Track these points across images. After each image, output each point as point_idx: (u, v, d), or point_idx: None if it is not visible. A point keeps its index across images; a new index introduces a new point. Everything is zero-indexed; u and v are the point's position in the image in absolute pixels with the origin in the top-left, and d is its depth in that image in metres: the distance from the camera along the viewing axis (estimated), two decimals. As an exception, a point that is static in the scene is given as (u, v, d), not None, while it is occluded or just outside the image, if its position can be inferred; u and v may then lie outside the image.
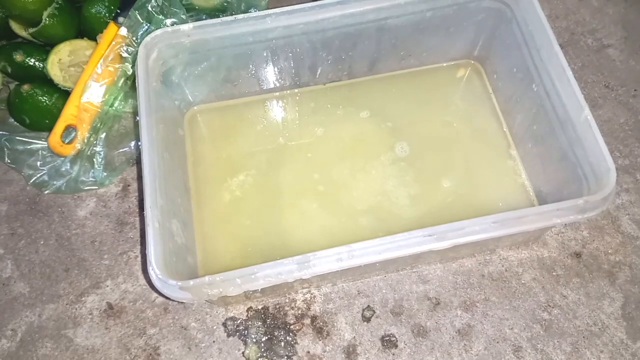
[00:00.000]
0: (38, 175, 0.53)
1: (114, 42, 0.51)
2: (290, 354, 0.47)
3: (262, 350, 0.47)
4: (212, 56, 0.50)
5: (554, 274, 0.50)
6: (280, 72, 0.54)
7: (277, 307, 0.49)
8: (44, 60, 0.54)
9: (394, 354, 0.47)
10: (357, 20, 0.49)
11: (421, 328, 0.48)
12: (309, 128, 0.56)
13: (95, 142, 0.52)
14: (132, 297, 0.50)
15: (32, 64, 0.54)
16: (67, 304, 0.50)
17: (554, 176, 0.48)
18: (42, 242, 0.52)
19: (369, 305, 0.49)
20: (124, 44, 0.51)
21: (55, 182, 0.53)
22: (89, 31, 0.55)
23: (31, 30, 0.54)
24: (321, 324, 0.48)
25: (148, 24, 0.51)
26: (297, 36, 0.49)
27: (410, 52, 0.55)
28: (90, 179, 0.53)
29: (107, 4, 0.55)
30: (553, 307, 0.49)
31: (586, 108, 0.41)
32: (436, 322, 0.48)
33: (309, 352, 0.47)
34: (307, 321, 0.48)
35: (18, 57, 0.54)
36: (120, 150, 0.54)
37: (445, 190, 0.53)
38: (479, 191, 0.53)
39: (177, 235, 0.43)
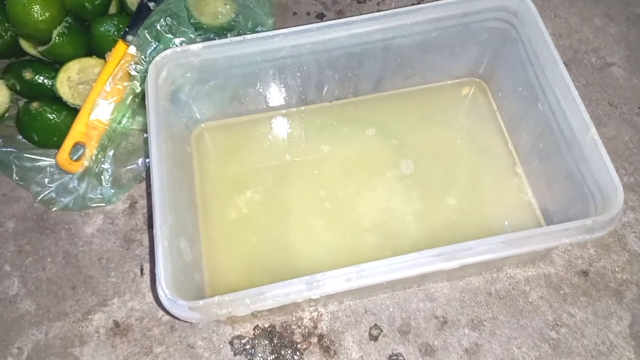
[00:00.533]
0: (46, 193, 0.53)
1: (122, 61, 0.52)
2: (297, 373, 0.47)
3: (269, 369, 0.47)
4: (220, 75, 0.51)
5: (561, 292, 0.50)
6: (287, 90, 0.55)
7: (284, 325, 0.49)
8: (53, 78, 0.55)
9: (401, 373, 0.47)
10: (364, 40, 0.49)
11: (429, 347, 0.48)
12: (315, 145, 0.56)
13: (103, 159, 0.53)
14: (138, 314, 0.49)
15: (41, 81, 0.55)
16: (73, 322, 0.49)
17: (560, 194, 0.48)
18: (49, 260, 0.52)
19: (376, 324, 0.49)
20: (132, 62, 0.52)
21: (62, 199, 0.53)
22: (98, 49, 0.56)
23: (41, 48, 0.54)
24: (328, 342, 0.48)
25: (157, 43, 0.52)
26: (304, 55, 0.50)
27: (415, 71, 0.56)
28: (98, 196, 0.53)
29: (115, 22, 0.55)
30: (561, 326, 0.48)
31: (592, 128, 0.42)
32: (444, 341, 0.48)
33: (316, 371, 0.47)
34: (314, 340, 0.48)
35: (27, 74, 0.54)
36: (128, 168, 0.54)
37: (451, 208, 0.53)
38: (485, 209, 0.53)
39: (185, 254, 0.43)
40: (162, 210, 0.40)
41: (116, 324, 0.49)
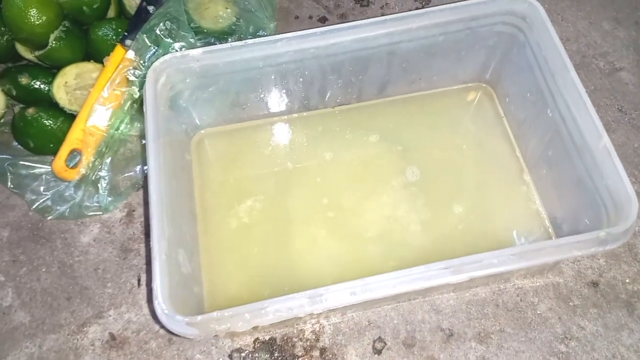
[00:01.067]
0: (41, 201, 0.52)
1: (121, 66, 0.51)
2: (299, 388, 0.45)
3: (270, 383, 0.45)
4: (221, 80, 0.49)
5: (571, 304, 0.49)
6: (289, 95, 0.53)
7: (285, 338, 0.47)
8: (49, 83, 0.53)
9: (406, 389, 0.45)
10: (369, 45, 0.48)
11: (435, 361, 0.46)
12: (318, 152, 0.55)
13: (100, 166, 0.52)
14: (135, 327, 0.48)
15: (37, 87, 0.54)
16: (68, 334, 0.48)
17: (569, 203, 0.47)
18: (44, 270, 0.51)
19: (380, 337, 0.47)
20: (131, 67, 0.51)
21: (58, 208, 0.52)
22: (96, 54, 0.55)
23: (37, 53, 0.53)
24: (330, 356, 0.47)
25: (156, 48, 0.51)
26: (307, 60, 0.48)
27: (421, 76, 0.55)
28: (95, 204, 0.52)
29: (114, 26, 0.54)
30: (570, 339, 0.47)
31: (605, 135, 0.40)
32: (450, 355, 0.46)
33: (318, 386, 0.45)
34: (316, 353, 0.47)
35: (23, 80, 0.53)
36: (126, 175, 0.53)
37: (457, 216, 0.51)
38: (492, 217, 0.51)
39: (183, 266, 0.42)
40: (159, 222, 0.38)
41: (112, 336, 0.48)
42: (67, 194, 0.52)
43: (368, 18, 0.47)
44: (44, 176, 0.52)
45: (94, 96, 0.51)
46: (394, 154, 0.54)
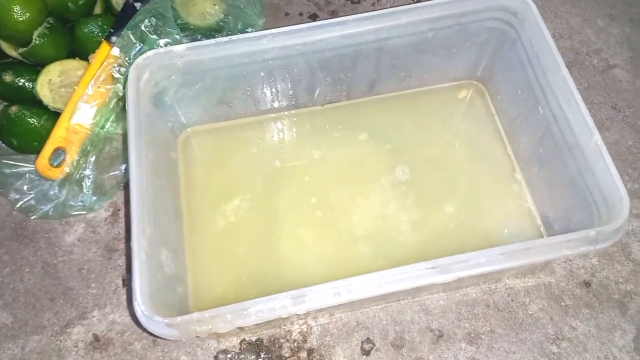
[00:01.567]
0: (25, 200, 0.51)
1: (105, 63, 0.50)
2: (285, 391, 0.44)
3: (256, 386, 0.44)
4: (207, 77, 0.48)
5: (563, 304, 0.48)
6: (277, 93, 0.53)
7: (272, 339, 0.47)
8: (33, 80, 0.52)
9: (395, 391, 0.44)
10: (356, 41, 0.47)
11: (424, 363, 0.45)
12: (307, 150, 0.54)
13: (84, 165, 0.51)
14: (119, 328, 0.47)
15: (21, 84, 0.53)
16: (51, 336, 0.47)
17: (561, 202, 0.46)
18: (27, 270, 0.50)
19: (368, 338, 0.47)
20: (116, 65, 0.50)
21: (42, 207, 0.51)
22: (82, 51, 0.54)
23: (21, 50, 0.52)
24: (318, 357, 0.46)
25: (141, 44, 0.50)
26: (294, 57, 0.47)
27: (411, 73, 0.54)
28: (79, 203, 0.51)
29: (100, 23, 0.54)
30: (562, 340, 0.46)
31: (596, 133, 0.40)
32: (439, 356, 0.46)
33: (305, 388, 0.45)
34: (304, 354, 0.46)
35: (7, 77, 0.52)
36: (111, 174, 0.52)
37: (448, 215, 0.51)
38: (483, 216, 0.51)
39: (166, 266, 0.41)
40: (139, 221, 0.38)
41: (96, 337, 0.47)
42: (51, 193, 0.51)
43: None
44: (27, 175, 0.51)
45: (78, 94, 0.50)
46: (383, 153, 0.54)
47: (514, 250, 0.37)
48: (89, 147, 0.51)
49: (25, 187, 0.51)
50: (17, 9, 0.49)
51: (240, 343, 0.46)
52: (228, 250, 0.49)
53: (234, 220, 0.50)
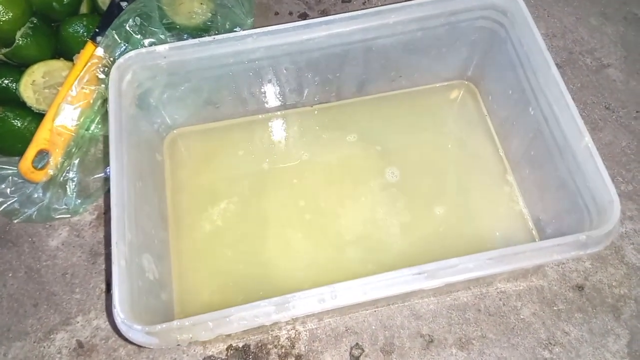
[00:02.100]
0: (8, 203, 0.50)
1: (89, 63, 0.49)
2: (272, 398, 0.43)
3: (242, 393, 0.44)
4: (192, 78, 0.48)
5: (555, 308, 0.47)
6: (264, 93, 0.52)
7: (259, 345, 0.46)
8: (17, 81, 0.52)
9: (383, 398, 0.43)
10: (344, 41, 0.46)
11: (413, 369, 0.45)
12: (295, 152, 0.53)
13: (68, 167, 0.50)
14: (104, 334, 0.46)
15: (4, 85, 0.52)
16: (34, 342, 0.46)
17: (553, 204, 0.45)
18: (10, 275, 0.49)
19: (357, 343, 0.46)
20: (100, 65, 0.49)
21: (26, 210, 0.50)
22: (67, 51, 0.53)
23: (4, 50, 0.51)
24: (306, 363, 0.45)
25: (126, 44, 0.49)
26: (281, 57, 0.47)
27: (401, 73, 0.53)
28: (63, 206, 0.50)
29: (85, 23, 0.53)
30: (554, 345, 0.45)
31: (587, 135, 0.39)
32: (429, 362, 0.45)
33: (292, 395, 0.44)
34: (291, 361, 0.45)
35: (-10, 78, 0.51)
36: (96, 176, 0.51)
37: (438, 218, 0.50)
38: (474, 219, 0.50)
39: (148, 271, 0.40)
40: (119, 226, 0.37)
41: (80, 344, 0.46)
42: (35, 196, 0.50)
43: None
44: (10, 178, 0.50)
45: (62, 95, 0.49)
46: (373, 154, 0.53)
47: (502, 255, 0.36)
48: (73, 149, 0.50)
49: (8, 190, 0.50)
50: (-1, 8, 0.48)
51: (227, 349, 0.46)
52: (214, 255, 0.48)
53: (221, 223, 0.49)
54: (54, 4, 0.53)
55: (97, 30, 0.52)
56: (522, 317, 0.47)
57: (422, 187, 0.51)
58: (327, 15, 0.45)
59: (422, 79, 0.55)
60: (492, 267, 0.36)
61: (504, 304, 0.47)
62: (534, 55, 0.43)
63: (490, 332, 0.46)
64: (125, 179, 0.39)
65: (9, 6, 0.49)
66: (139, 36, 0.49)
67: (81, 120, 0.49)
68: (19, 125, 0.51)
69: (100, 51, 0.49)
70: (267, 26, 0.45)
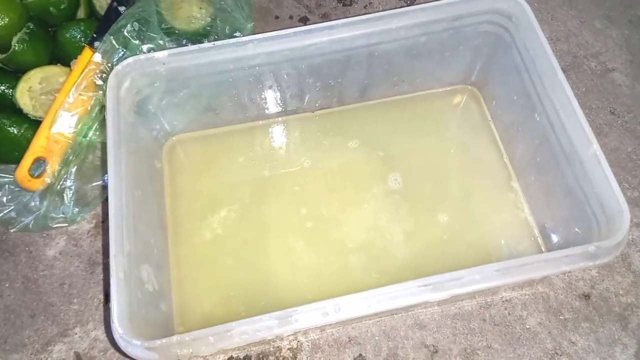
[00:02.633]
0: (5, 212, 0.49)
1: (87, 69, 0.48)
2: (273, 410, 0.43)
3: (243, 406, 0.43)
4: (192, 84, 0.47)
5: (561, 317, 0.46)
6: (265, 99, 0.51)
7: (261, 356, 0.45)
8: (13, 88, 0.51)
9: (387, 410, 0.43)
10: (346, 46, 0.46)
11: (417, 380, 0.44)
12: (296, 159, 0.52)
13: (66, 175, 0.49)
14: (102, 345, 0.45)
15: (1, 92, 0.51)
16: (31, 354, 0.45)
17: (559, 213, 0.45)
18: (7, 285, 0.48)
19: (360, 354, 0.45)
20: (98, 71, 0.48)
21: (23, 219, 0.49)
22: (64, 57, 0.53)
23: (0, 56, 0.50)
24: (308, 375, 0.44)
25: (124, 50, 0.48)
26: (281, 63, 0.46)
27: (404, 78, 0.52)
28: (60, 215, 0.49)
29: (82, 28, 0.52)
30: (561, 355, 0.45)
31: (595, 142, 0.38)
32: (434, 373, 0.44)
33: (294, 407, 0.43)
34: (293, 372, 0.44)
35: (-15, 85, 0.51)
36: (94, 184, 0.50)
37: (442, 225, 0.49)
38: (478, 226, 0.49)
39: (148, 283, 0.39)
40: (118, 237, 0.36)
41: (78, 356, 0.45)
42: (31, 204, 0.49)
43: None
44: (7, 186, 0.49)
45: (59, 101, 0.48)
46: (375, 160, 0.52)
47: (509, 266, 0.35)
48: (70, 157, 0.49)
49: (4, 199, 0.49)
50: (-5, 14, 0.48)
51: (228, 360, 0.45)
52: (215, 264, 0.47)
53: (221, 231, 0.49)
54: (51, 8, 0.52)
55: (94, 35, 0.51)
56: (527, 326, 0.46)
57: (425, 193, 0.50)
58: (327, 19, 0.44)
59: (425, 84, 0.54)
60: (499, 279, 0.35)
61: (509, 314, 0.46)
62: (540, 59, 0.42)
63: (495, 343, 0.45)
64: (123, 187, 0.38)
65: (5, 11, 0.49)
66: (137, 41, 0.48)
67: (79, 127, 0.48)
68: (15, 132, 0.50)
69: (98, 57, 0.48)
70: (267, 31, 0.44)
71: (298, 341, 0.46)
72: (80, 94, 0.48)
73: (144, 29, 0.49)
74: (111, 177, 0.38)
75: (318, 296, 0.35)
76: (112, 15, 0.52)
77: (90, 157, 0.51)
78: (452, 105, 0.55)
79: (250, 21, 0.55)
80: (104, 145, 0.52)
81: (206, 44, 0.43)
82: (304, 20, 0.62)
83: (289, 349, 0.45)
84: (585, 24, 0.61)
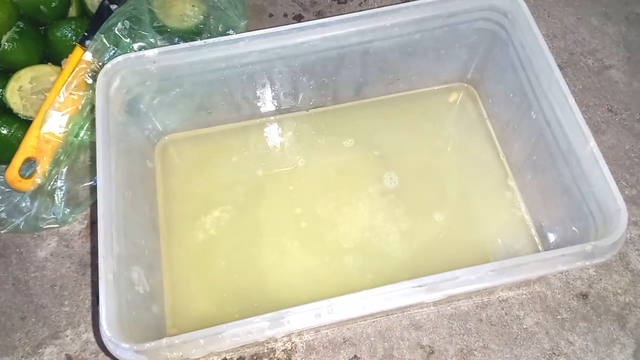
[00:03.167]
0: (-5, 213, 0.49)
1: (78, 68, 0.47)
2: (267, 413, 0.42)
3: (237, 408, 0.42)
4: (184, 83, 0.46)
5: (559, 317, 0.46)
6: (258, 98, 0.50)
7: (254, 358, 0.44)
8: (3, 87, 0.50)
9: (383, 412, 0.42)
10: (340, 44, 0.45)
11: (413, 382, 0.43)
12: (290, 158, 0.52)
13: (57, 175, 0.48)
14: (94, 348, 0.45)
15: (-10, 92, 0.50)
16: (22, 357, 0.45)
17: (556, 211, 0.44)
18: (-3, 287, 0.48)
19: (355, 355, 0.44)
20: (89, 70, 0.48)
21: (13, 220, 0.48)
22: (55, 56, 0.52)
23: (-11, 55, 0.50)
24: (303, 377, 0.44)
25: (115, 48, 0.48)
26: (275, 61, 0.45)
27: (399, 76, 0.52)
28: (51, 216, 0.48)
29: (74, 27, 0.51)
30: (559, 355, 0.44)
31: (592, 140, 0.38)
32: (430, 374, 0.44)
33: (288, 410, 0.42)
34: (287, 374, 0.44)
35: (-26, 85, 0.50)
36: (86, 184, 0.50)
37: (438, 225, 0.48)
38: (475, 225, 0.48)
39: (138, 284, 0.38)
40: (107, 238, 0.35)
41: (69, 358, 0.44)
42: (22, 205, 0.48)
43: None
44: (-3, 187, 0.49)
45: (50, 101, 0.48)
46: (371, 159, 0.51)
47: (505, 266, 0.34)
48: (61, 157, 0.48)
49: (-6, 200, 0.49)
50: (-16, 12, 0.47)
51: (221, 362, 0.44)
52: (208, 265, 0.47)
53: (214, 233, 0.48)
54: (42, 7, 0.52)
55: (86, 34, 0.50)
56: (524, 326, 0.45)
57: (421, 193, 0.50)
58: (322, 17, 0.44)
59: (421, 82, 0.53)
60: (495, 279, 0.34)
61: (506, 313, 0.46)
62: (536, 57, 0.42)
63: (492, 343, 0.45)
64: (113, 188, 0.38)
65: (-6, 10, 0.48)
66: (128, 40, 0.48)
67: (69, 127, 0.48)
68: (6, 132, 0.49)
69: (88, 56, 0.48)
70: (261, 29, 0.43)
71: (292, 342, 0.45)
72: (71, 93, 0.47)
73: (135, 27, 0.48)
74: (100, 178, 0.38)
75: (313, 297, 0.35)
76: (103, 13, 0.51)
77: (81, 157, 0.50)
78: (448, 103, 0.55)
79: (244, 19, 0.55)
80: (95, 145, 0.51)
81: (197, 42, 0.42)
82: (299, 18, 0.62)
83: (283, 350, 0.45)
84: (582, 21, 0.61)
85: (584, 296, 0.47)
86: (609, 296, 0.47)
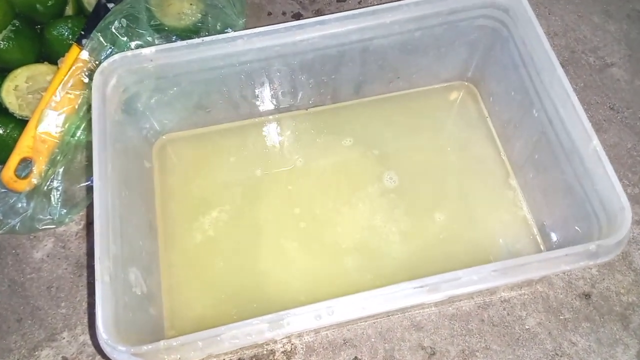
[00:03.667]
0: (-10, 214, 0.48)
1: (74, 67, 0.47)
2: (267, 416, 0.42)
3: (236, 411, 0.42)
4: (182, 81, 0.46)
5: (561, 317, 0.45)
6: (257, 97, 0.50)
7: (254, 359, 0.44)
8: (-1, 86, 0.50)
9: (384, 414, 0.42)
10: (339, 42, 0.44)
11: (414, 383, 0.43)
12: (289, 157, 0.51)
13: (53, 176, 0.48)
14: (91, 350, 0.44)
15: (-15, 91, 0.50)
16: (18, 359, 0.44)
17: (558, 210, 0.43)
18: (-7, 289, 0.47)
19: (356, 357, 0.44)
20: (85, 69, 0.47)
21: (9, 221, 0.48)
22: (51, 55, 0.52)
23: (-15, 54, 0.49)
24: (303, 379, 0.43)
25: (112, 47, 0.47)
26: (273, 59, 0.45)
27: (399, 74, 0.51)
28: (48, 217, 0.48)
29: (70, 25, 0.51)
30: (561, 356, 0.44)
31: (595, 138, 0.37)
32: (431, 376, 0.43)
33: (288, 412, 0.42)
34: (287, 376, 0.43)
35: (-30, 84, 0.49)
36: (82, 185, 0.49)
37: (439, 225, 0.48)
38: (476, 225, 0.48)
39: (136, 286, 0.38)
40: (103, 240, 0.35)
41: (66, 361, 0.44)
42: (18, 206, 0.48)
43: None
44: (-7, 188, 0.48)
45: (46, 100, 0.47)
46: (370, 159, 0.51)
47: (508, 266, 0.34)
48: (58, 157, 0.48)
49: (-10, 201, 0.48)
50: (-21, 11, 0.47)
51: (220, 364, 0.44)
52: (206, 266, 0.46)
53: (213, 233, 0.47)
54: (38, 5, 0.51)
55: (82, 32, 0.50)
56: (527, 327, 0.45)
57: (421, 192, 0.49)
58: (321, 15, 0.43)
59: (421, 80, 0.53)
60: (497, 279, 0.34)
61: (508, 314, 0.45)
62: (538, 54, 0.41)
63: (494, 344, 0.44)
64: (109, 188, 0.37)
65: (-11, 8, 0.47)
66: (125, 38, 0.47)
67: (66, 126, 0.47)
68: (1, 132, 0.49)
69: (85, 54, 0.47)
70: (260, 27, 0.43)
71: (292, 344, 0.45)
72: (67, 93, 0.47)
73: (132, 25, 0.48)
74: (96, 179, 0.37)
75: (312, 298, 0.34)
76: (100, 12, 0.51)
77: (78, 157, 0.50)
78: (449, 101, 0.54)
79: (242, 17, 0.54)
80: (91, 145, 0.50)
81: (195, 40, 0.42)
82: (298, 17, 0.61)
83: (282, 352, 0.44)
84: (583, 19, 0.60)
85: (587, 296, 0.46)
86: (612, 296, 0.46)
